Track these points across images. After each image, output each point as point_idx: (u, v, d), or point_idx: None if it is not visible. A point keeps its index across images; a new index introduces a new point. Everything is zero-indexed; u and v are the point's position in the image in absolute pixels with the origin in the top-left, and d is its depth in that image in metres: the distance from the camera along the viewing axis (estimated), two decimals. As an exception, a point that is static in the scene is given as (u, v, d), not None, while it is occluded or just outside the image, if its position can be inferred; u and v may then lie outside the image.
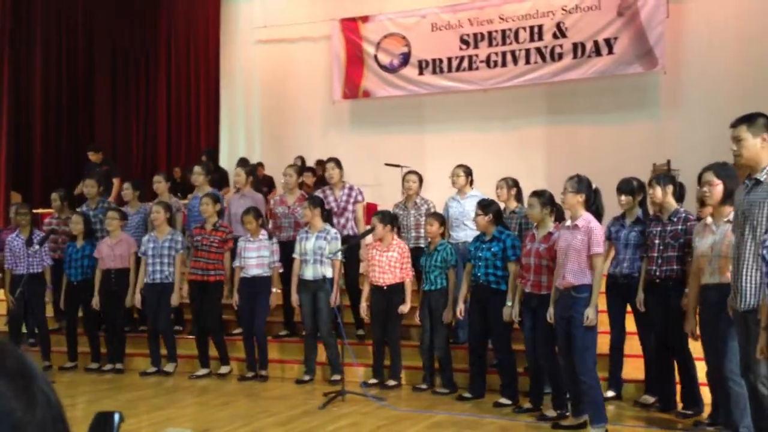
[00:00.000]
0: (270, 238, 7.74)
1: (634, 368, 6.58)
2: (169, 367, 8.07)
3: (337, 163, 8.13)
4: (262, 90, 12.72)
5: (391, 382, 7.25)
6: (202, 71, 12.65)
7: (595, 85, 10.94)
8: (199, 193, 8.56)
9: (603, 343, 6.76)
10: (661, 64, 10.41)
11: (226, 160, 11.99)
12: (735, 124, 4.56)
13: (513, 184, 7.46)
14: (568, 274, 5.64)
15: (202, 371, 7.95)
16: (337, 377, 7.23)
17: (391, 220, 7.29)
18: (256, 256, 7.66)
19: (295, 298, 7.52)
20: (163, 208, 8.11)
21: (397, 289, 7.22)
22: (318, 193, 8.22)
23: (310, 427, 5.98)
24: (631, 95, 10.83)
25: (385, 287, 7.22)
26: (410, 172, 8.01)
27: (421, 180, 7.94)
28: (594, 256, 5.54)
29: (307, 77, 12.38)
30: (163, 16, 12.82)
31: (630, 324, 6.57)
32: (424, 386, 7.13)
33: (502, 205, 7.42)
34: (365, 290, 7.38)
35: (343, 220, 7.90)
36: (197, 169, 8.78)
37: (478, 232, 6.86)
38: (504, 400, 6.52)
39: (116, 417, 1.05)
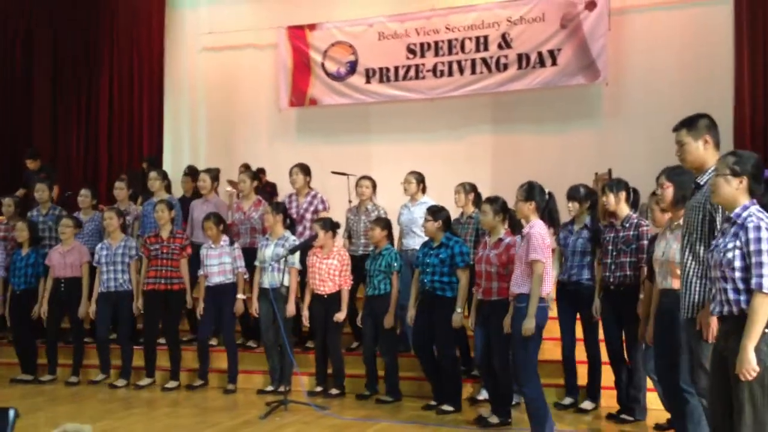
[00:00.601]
0: (232, 244, 7.63)
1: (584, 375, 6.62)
2: (120, 382, 7.85)
3: (303, 168, 8.07)
4: (207, 97, 12.57)
5: (334, 391, 7.20)
6: (146, 77, 12.44)
7: (540, 96, 11.06)
8: (155, 198, 8.40)
9: (556, 350, 6.85)
10: (603, 76, 10.57)
11: (170, 168, 11.77)
12: (677, 128, 4.49)
13: (471, 189, 7.51)
14: (512, 284, 5.67)
15: (147, 380, 7.79)
16: (284, 388, 7.15)
17: (332, 227, 7.25)
18: (218, 264, 7.56)
19: (255, 306, 7.42)
20: (115, 214, 7.98)
21: (337, 297, 7.20)
22: (283, 199, 8.17)
23: (251, 437, 5.91)
24: (575, 106, 10.97)
25: (325, 296, 7.18)
26: (364, 177, 7.99)
27: (374, 185, 7.93)
28: (532, 262, 5.49)
29: (253, 85, 12.28)
30: (105, 20, 12.58)
31: (581, 331, 6.61)
32: (367, 393, 7.09)
33: (459, 211, 7.46)
34: (306, 298, 7.33)
35: (300, 228, 7.84)
36: (153, 174, 8.62)
37: (427, 239, 6.86)
38: (447, 407, 6.52)
39: (11, 413, 1.01)
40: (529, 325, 5.42)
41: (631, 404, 6.19)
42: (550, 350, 6.98)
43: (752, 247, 3.60)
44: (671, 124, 4.54)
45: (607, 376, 6.48)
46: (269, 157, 11.50)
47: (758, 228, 3.61)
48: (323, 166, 10.72)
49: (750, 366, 3.57)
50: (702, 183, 4.42)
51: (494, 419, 6.10)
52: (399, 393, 7.01)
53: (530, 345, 5.51)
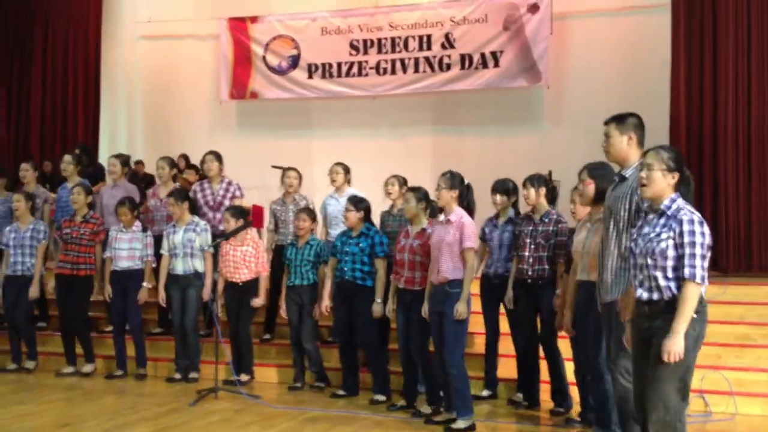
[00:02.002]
0: (144, 230, 7.44)
1: (508, 368, 6.62)
2: (29, 364, 7.60)
3: (217, 156, 7.93)
4: (145, 86, 12.31)
5: (244, 377, 7.07)
6: (81, 63, 12.11)
7: (481, 97, 11.13)
8: (69, 183, 8.16)
9: (479, 344, 6.84)
10: (544, 79, 10.68)
11: (106, 156, 11.50)
12: (607, 122, 4.73)
13: (404, 182, 7.46)
14: (442, 270, 5.68)
15: (69, 369, 7.52)
16: (194, 375, 7.11)
17: (242, 214, 7.18)
18: (128, 248, 7.34)
19: (162, 294, 7.26)
20: (24, 197, 7.70)
21: (253, 285, 7.12)
22: (195, 186, 8.02)
23: (179, 423, 5.73)
24: (516, 108, 11.07)
25: (240, 284, 7.09)
26: (290, 168, 7.89)
27: (300, 177, 7.84)
28: (466, 250, 5.59)
29: (193, 75, 12.08)
30: (41, 3, 12.23)
31: (504, 324, 6.63)
32: (298, 384, 6.98)
33: (389, 203, 7.41)
34: (219, 286, 7.19)
35: (219, 215, 7.68)
36: (67, 158, 8.34)
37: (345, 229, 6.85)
38: (378, 397, 6.45)
39: None
40: (462, 308, 5.53)
41: (556, 395, 6.21)
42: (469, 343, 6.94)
43: (686, 239, 3.75)
44: (602, 145, 4.66)
45: (508, 366, 6.56)
46: (208, 148, 11.14)
47: (692, 221, 3.77)
48: (263, 159, 10.61)
49: (678, 350, 3.72)
50: (627, 176, 4.58)
51: (426, 408, 6.05)
52: (327, 378, 6.93)
53: (460, 329, 5.60)
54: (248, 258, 7.09)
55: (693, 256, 3.71)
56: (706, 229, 3.78)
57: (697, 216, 3.79)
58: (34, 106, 12.11)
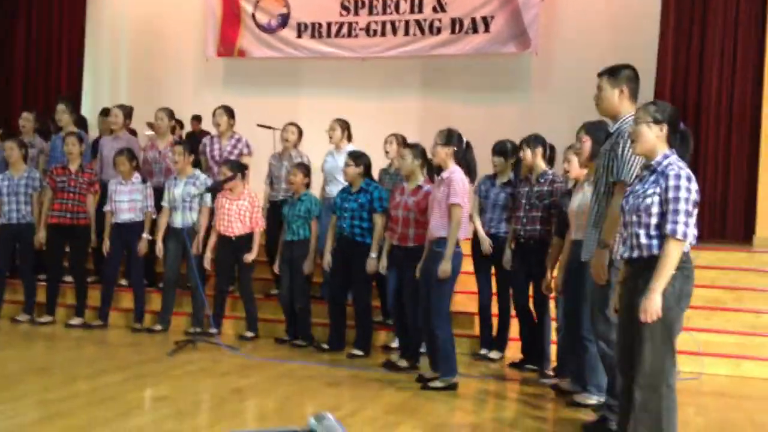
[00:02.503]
0: (144, 181, 7.42)
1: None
2: (22, 317, 7.58)
3: (227, 110, 7.90)
4: (130, 41, 12.18)
5: (249, 334, 7.11)
6: (66, 16, 11.91)
7: (470, 64, 11.09)
8: (63, 133, 8.09)
9: (466, 304, 6.91)
10: (533, 46, 10.65)
11: (90, 110, 11.44)
12: (600, 74, 4.64)
13: (403, 141, 7.45)
14: (431, 227, 5.66)
15: (48, 318, 7.54)
16: (196, 329, 7.06)
17: (239, 168, 7.15)
18: (128, 200, 7.34)
19: (160, 246, 7.24)
20: (16, 144, 7.66)
21: (247, 239, 7.11)
22: (206, 139, 8.02)
23: (155, 371, 5.80)
24: (504, 75, 11.05)
25: (233, 237, 7.08)
26: (291, 123, 7.87)
27: (300, 133, 7.81)
28: (451, 206, 5.49)
29: (180, 31, 11.94)
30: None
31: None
32: (286, 338, 7.01)
33: (388, 162, 7.41)
34: (212, 240, 7.18)
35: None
36: (61, 107, 8.26)
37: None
38: (357, 351, 6.51)
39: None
40: (445, 267, 5.45)
41: (536, 355, 6.29)
42: (463, 303, 7.02)
43: (671, 195, 3.68)
44: (593, 98, 4.63)
45: (514, 327, 6.60)
46: (194, 105, 11.23)
47: (678, 176, 3.68)
48: (250, 117, 10.53)
49: (655, 309, 3.66)
50: (612, 131, 4.53)
51: (403, 363, 6.12)
52: (312, 337, 6.96)
53: (445, 288, 5.54)
54: (243, 212, 7.07)
55: (676, 211, 3.64)
56: (694, 186, 3.70)
57: (685, 171, 3.70)
58: (18, 58, 11.98)
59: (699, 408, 5.29)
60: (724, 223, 8.98)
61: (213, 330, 7.08)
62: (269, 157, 8.01)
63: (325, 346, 6.72)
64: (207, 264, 7.15)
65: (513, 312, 6.50)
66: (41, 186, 7.62)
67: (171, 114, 8.17)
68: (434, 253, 5.59)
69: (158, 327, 7.26)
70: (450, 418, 5.01)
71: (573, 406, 5.18)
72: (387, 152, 7.35)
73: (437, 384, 5.55)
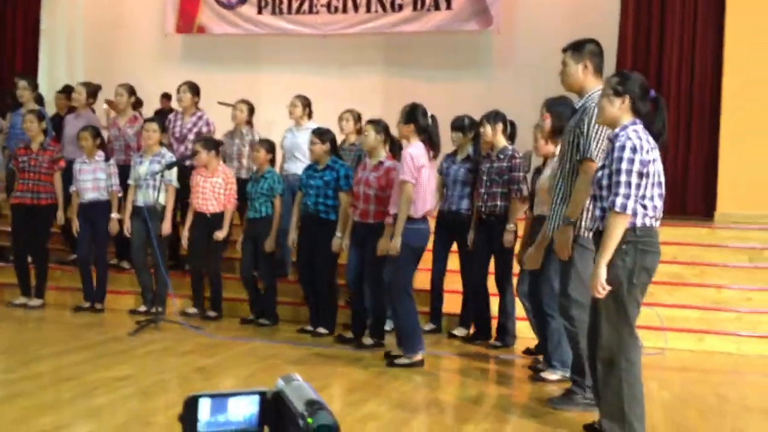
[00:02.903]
0: (107, 160, 7.26)
1: (452, 303, 6.72)
2: None
3: (191, 87, 7.73)
4: (87, 16, 11.91)
5: (212, 314, 7.04)
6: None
7: (432, 41, 11.05)
8: (24, 109, 7.89)
9: (424, 280, 6.90)
10: (495, 24, 10.64)
11: (45, 88, 11.16)
12: (564, 49, 4.60)
13: (358, 117, 7.43)
14: (391, 204, 5.66)
15: (22, 299, 7.36)
16: (156, 309, 6.92)
17: (214, 145, 7.06)
18: (92, 179, 7.17)
19: (128, 225, 7.12)
20: None
21: (221, 217, 7.02)
22: (171, 116, 7.87)
23: (118, 351, 5.72)
24: (466, 52, 11.03)
25: (208, 215, 6.99)
26: (241, 101, 7.77)
27: (251, 110, 7.71)
28: (400, 183, 5.47)
29: (138, 7, 11.72)
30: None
31: (452, 261, 6.69)
32: (251, 317, 6.95)
33: (342, 137, 7.36)
34: (188, 219, 7.10)
35: (182, 148, 7.54)
36: (22, 83, 8.03)
37: (309, 163, 6.73)
38: (321, 330, 6.49)
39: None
40: (394, 244, 5.44)
41: (499, 331, 6.32)
42: (422, 280, 7.01)
43: (614, 166, 3.64)
44: (558, 76, 4.60)
45: (453, 302, 6.67)
46: (152, 82, 10.99)
47: (623, 147, 3.62)
48: (209, 95, 10.34)
49: (599, 282, 3.62)
50: (578, 107, 4.52)
51: (368, 341, 6.11)
52: (276, 317, 6.91)
53: (400, 264, 5.49)
54: (217, 189, 6.98)
55: (618, 183, 3.58)
56: (639, 156, 3.59)
57: (630, 142, 3.62)
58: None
59: (663, 382, 5.35)
60: (684, 199, 9.06)
61: (213, 313, 7.01)
62: (223, 136, 7.91)
63: (309, 328, 6.59)
64: (184, 242, 7.04)
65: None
66: (2, 168, 7.41)
67: (131, 90, 8.00)
68: (391, 230, 5.58)
69: (143, 308, 7.11)
70: (414, 395, 5.00)
71: (538, 381, 5.21)
72: (342, 128, 7.31)
73: (402, 361, 5.53)
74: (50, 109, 9.34)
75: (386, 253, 5.51)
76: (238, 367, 5.42)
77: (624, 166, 3.58)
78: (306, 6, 11.26)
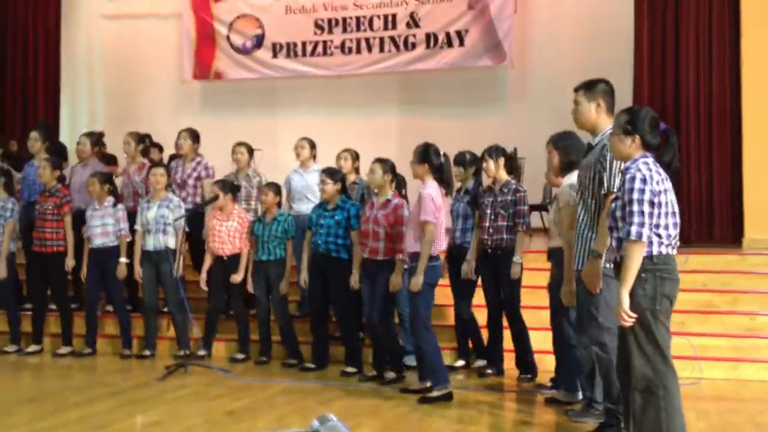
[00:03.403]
0: (115, 205, 7.33)
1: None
2: (10, 348, 7.43)
3: (191, 133, 7.83)
4: (106, 66, 12.10)
5: (240, 356, 7.03)
6: (42, 44, 11.78)
7: (447, 77, 11.13)
8: (36, 160, 8.00)
9: (449, 315, 6.89)
10: (509, 58, 10.70)
11: (68, 137, 11.33)
12: (576, 89, 4.72)
13: (356, 156, 7.50)
14: (405, 243, 5.78)
15: (35, 347, 7.39)
16: (182, 352, 6.96)
17: (231, 188, 7.14)
18: (101, 224, 7.24)
19: (138, 270, 7.16)
20: None
21: (237, 259, 7.08)
22: (173, 163, 7.97)
23: (147, 396, 5.71)
24: (481, 88, 11.09)
25: (225, 258, 7.04)
26: (239, 144, 7.86)
27: (250, 152, 7.79)
28: (422, 223, 5.59)
29: (155, 55, 11.89)
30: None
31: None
32: (264, 359, 6.95)
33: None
34: (207, 261, 7.13)
35: (183, 194, 7.60)
36: (34, 134, 8.16)
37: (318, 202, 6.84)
38: (350, 369, 6.47)
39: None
40: (417, 280, 5.53)
41: (520, 363, 6.29)
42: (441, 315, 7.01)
43: (626, 197, 3.73)
44: (572, 108, 4.68)
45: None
46: (172, 129, 10.99)
47: (633, 179, 3.71)
48: (228, 139, 10.43)
49: (622, 310, 3.67)
50: (594, 144, 4.61)
51: (390, 375, 6.12)
52: (301, 355, 6.90)
53: (420, 301, 5.58)
54: (233, 233, 7.04)
55: (631, 213, 3.66)
56: (648, 186, 3.68)
57: (640, 173, 3.71)
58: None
59: (699, 413, 5.25)
60: (711, 226, 8.97)
61: (202, 352, 7.01)
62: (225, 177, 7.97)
63: (310, 365, 6.64)
64: (202, 285, 7.06)
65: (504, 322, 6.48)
66: (13, 215, 7.47)
67: (140, 138, 8.11)
68: (411, 268, 5.68)
69: (147, 352, 7.15)
70: (448, 430, 4.94)
71: (569, 416, 5.16)
72: (341, 168, 7.38)
73: (433, 394, 5.55)
74: (74, 159, 9.43)
75: (398, 290, 5.66)
76: (269, 409, 5.38)
77: (635, 196, 3.68)
78: (320, 48, 11.38)
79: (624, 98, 9.16)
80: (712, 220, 8.97)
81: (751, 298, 7.04)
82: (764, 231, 8.24)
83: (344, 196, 6.67)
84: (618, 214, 3.77)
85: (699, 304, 6.85)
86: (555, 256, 5.44)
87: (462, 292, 6.52)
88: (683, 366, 6.19)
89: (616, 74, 9.72)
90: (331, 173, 6.62)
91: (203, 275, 7.12)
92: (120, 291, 7.36)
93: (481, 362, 6.55)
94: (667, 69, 9.42)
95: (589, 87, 4.64)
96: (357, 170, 7.51)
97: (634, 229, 3.64)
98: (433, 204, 5.57)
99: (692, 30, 9.23)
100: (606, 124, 4.53)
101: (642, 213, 3.65)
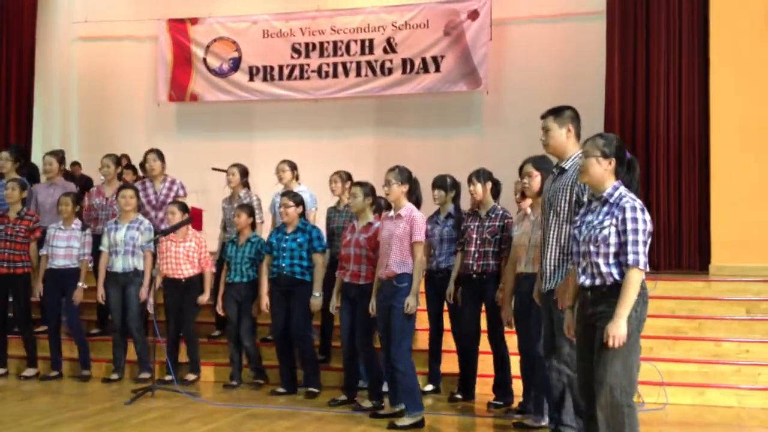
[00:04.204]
0: (83, 228, 7.29)
1: (451, 363, 6.67)
2: None
3: (159, 154, 7.84)
4: (81, 87, 12.08)
5: (191, 377, 6.99)
6: (15, 64, 11.67)
7: (423, 102, 11.24)
8: (5, 180, 7.96)
9: (423, 340, 6.89)
10: (484, 84, 10.83)
11: (40, 158, 11.25)
12: (544, 115, 4.79)
13: (347, 178, 7.48)
14: (390, 264, 5.70)
15: (1, 370, 7.31)
16: (145, 375, 6.92)
17: (185, 210, 7.14)
18: (65, 246, 7.18)
19: (101, 292, 7.12)
20: None
21: (196, 281, 7.07)
22: (138, 185, 7.90)
23: (115, 421, 5.64)
24: (456, 112, 11.21)
25: (182, 279, 7.02)
26: (233, 165, 7.85)
27: (242, 173, 7.78)
28: (415, 244, 5.64)
29: (131, 77, 11.90)
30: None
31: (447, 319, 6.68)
32: (234, 383, 6.92)
33: (336, 199, 7.42)
34: (157, 283, 7.04)
35: (161, 214, 7.59)
36: (4, 154, 8.13)
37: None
38: (312, 389, 6.51)
39: None
40: (412, 302, 5.57)
41: (498, 389, 6.28)
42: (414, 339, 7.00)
43: (629, 226, 3.82)
44: (540, 139, 4.76)
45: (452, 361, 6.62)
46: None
47: (634, 209, 3.84)
48: (203, 162, 10.51)
49: (622, 334, 3.76)
50: (566, 168, 4.67)
51: (367, 403, 6.07)
52: (265, 375, 6.92)
53: (408, 323, 5.62)
54: (191, 254, 7.02)
55: (636, 242, 3.78)
56: (647, 216, 3.86)
57: (639, 203, 3.87)
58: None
59: (665, 437, 5.30)
60: (679, 252, 9.08)
61: (192, 376, 6.99)
62: (222, 202, 7.97)
63: (281, 390, 6.62)
64: (150, 309, 6.98)
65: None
66: None
67: (118, 161, 8.09)
68: (395, 289, 5.64)
69: (114, 376, 7.08)
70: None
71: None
72: (333, 191, 7.39)
73: (405, 422, 5.52)
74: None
75: (408, 311, 5.59)
76: (238, 434, 5.35)
77: (640, 226, 3.82)
78: (297, 72, 11.45)
79: (596, 126, 9.34)
80: (681, 248, 9.08)
81: (716, 324, 7.12)
82: (730, 258, 8.35)
83: (303, 219, 6.73)
84: (613, 240, 3.85)
85: (667, 330, 6.92)
86: (525, 282, 5.45)
87: (463, 318, 6.39)
88: (649, 391, 6.27)
89: (588, 102, 9.93)
90: (293, 196, 6.69)
91: (150, 300, 6.92)
92: (77, 313, 7.27)
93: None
94: (637, 94, 9.54)
95: (558, 113, 4.72)
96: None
97: (641, 258, 3.77)
98: (423, 225, 5.70)
99: (662, 55, 9.37)
100: (575, 149, 4.62)
101: (645, 243, 3.80)
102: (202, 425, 5.53)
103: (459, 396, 6.41)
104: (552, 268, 4.72)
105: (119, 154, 10.25)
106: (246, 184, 7.82)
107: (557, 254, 4.68)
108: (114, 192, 7.78)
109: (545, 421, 5.25)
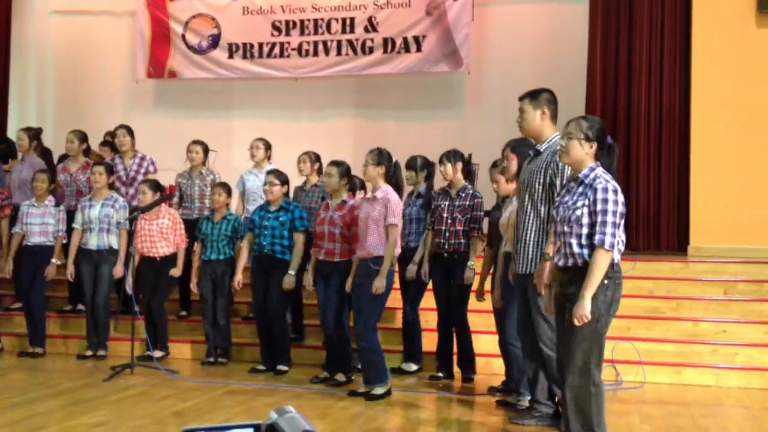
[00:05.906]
0: (57, 205, 7.20)
1: (431, 341, 6.68)
2: None
3: (129, 130, 7.78)
4: (57, 63, 11.87)
5: (158, 353, 6.95)
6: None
7: (404, 81, 11.17)
8: (-24, 158, 7.86)
9: (399, 318, 6.90)
10: (465, 65, 10.77)
11: (15, 135, 11.08)
12: (521, 98, 4.87)
13: (316, 158, 7.49)
14: (367, 245, 5.75)
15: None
16: (102, 352, 6.95)
17: (158, 188, 7.08)
18: (40, 223, 7.10)
19: (71, 269, 7.05)
20: None
21: (172, 258, 7.04)
22: (110, 160, 7.82)
23: (92, 397, 5.60)
24: (438, 93, 11.15)
25: (158, 258, 6.98)
26: (194, 142, 7.81)
27: (206, 151, 7.72)
28: (389, 226, 5.68)
29: (108, 53, 11.70)
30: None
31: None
32: (211, 359, 6.91)
33: (303, 179, 7.42)
34: (136, 261, 6.97)
35: (132, 191, 7.52)
36: None
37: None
38: (282, 367, 6.52)
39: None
40: (379, 284, 5.61)
41: (462, 363, 6.37)
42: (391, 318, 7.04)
43: (599, 207, 3.86)
44: (516, 120, 4.86)
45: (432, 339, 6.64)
46: (123, 127, 10.97)
47: (606, 189, 3.87)
48: (181, 139, 10.33)
49: (584, 313, 3.83)
50: (541, 150, 4.74)
51: (341, 377, 6.13)
52: (229, 354, 6.98)
53: (377, 302, 5.69)
54: (165, 231, 6.97)
55: (604, 223, 3.81)
56: (620, 198, 3.88)
57: (612, 185, 3.89)
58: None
59: (643, 416, 5.35)
60: (658, 233, 9.14)
61: (159, 353, 6.95)
62: (177, 176, 7.89)
63: (261, 368, 6.60)
64: (128, 287, 6.90)
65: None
66: None
67: (83, 137, 7.98)
68: (370, 269, 5.70)
69: (89, 353, 7.02)
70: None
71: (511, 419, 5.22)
72: (301, 170, 7.37)
73: (379, 391, 5.65)
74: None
75: (376, 292, 5.64)
76: (217, 410, 5.32)
77: (610, 207, 3.84)
78: (277, 50, 11.32)
79: (577, 108, 9.36)
80: (660, 229, 9.13)
81: (694, 304, 7.19)
82: (708, 239, 8.43)
83: (287, 197, 6.69)
84: (585, 221, 3.88)
85: (645, 310, 6.98)
86: (507, 260, 5.48)
87: (412, 294, 6.52)
88: (628, 370, 6.33)
89: (570, 84, 9.96)
90: (278, 174, 6.63)
91: (129, 279, 6.82)
92: (42, 290, 7.19)
93: (410, 364, 6.59)
94: (619, 75, 9.56)
95: (534, 96, 4.82)
96: (319, 172, 7.48)
97: (608, 239, 3.80)
98: (398, 207, 5.71)
99: (644, 37, 9.37)
100: (550, 131, 4.71)
101: (615, 224, 3.83)
102: (180, 402, 5.51)
103: (440, 375, 6.43)
104: (526, 249, 4.80)
105: (105, 133, 10.15)
106: (204, 162, 7.75)
107: (532, 235, 4.78)
108: (79, 168, 7.70)
109: (527, 399, 5.29)
